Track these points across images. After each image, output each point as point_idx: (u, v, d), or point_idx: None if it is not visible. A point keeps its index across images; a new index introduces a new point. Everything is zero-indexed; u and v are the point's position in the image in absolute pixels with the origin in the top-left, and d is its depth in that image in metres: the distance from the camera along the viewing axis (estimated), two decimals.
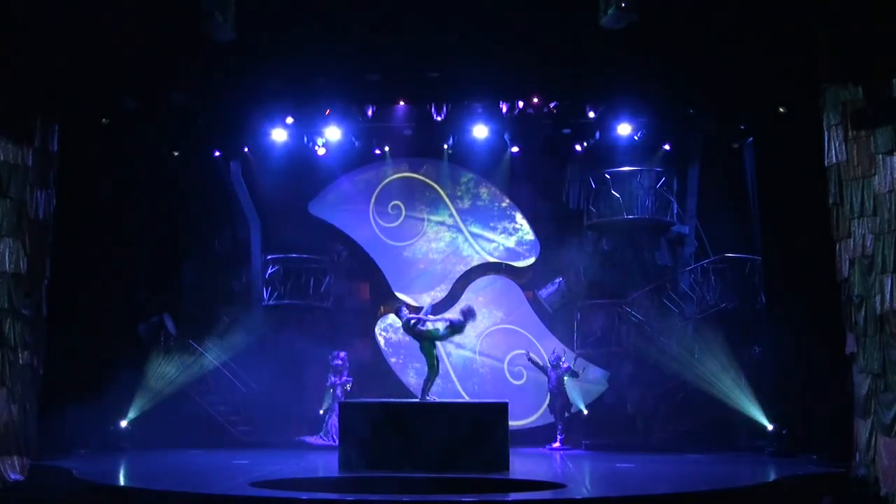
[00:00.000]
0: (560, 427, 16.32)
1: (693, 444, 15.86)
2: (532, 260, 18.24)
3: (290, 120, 16.56)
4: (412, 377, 17.74)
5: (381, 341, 18.28)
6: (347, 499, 11.25)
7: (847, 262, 12.67)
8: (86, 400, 14.45)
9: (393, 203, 18.46)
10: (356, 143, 17.65)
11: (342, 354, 16.79)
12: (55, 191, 13.89)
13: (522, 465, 13.32)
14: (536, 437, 16.84)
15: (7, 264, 13.00)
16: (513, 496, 11.56)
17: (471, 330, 17.89)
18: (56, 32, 12.43)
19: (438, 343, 14.50)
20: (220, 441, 16.59)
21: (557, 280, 18.00)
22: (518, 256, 18.32)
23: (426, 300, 16.82)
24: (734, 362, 16.03)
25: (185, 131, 16.43)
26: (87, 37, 12.50)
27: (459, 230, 18.38)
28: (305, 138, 17.36)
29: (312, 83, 14.59)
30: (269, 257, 18.06)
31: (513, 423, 14.38)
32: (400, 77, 14.66)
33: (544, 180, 18.43)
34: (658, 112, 16.05)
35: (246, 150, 17.65)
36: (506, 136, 17.17)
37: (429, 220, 18.44)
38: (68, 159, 14.23)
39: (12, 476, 12.74)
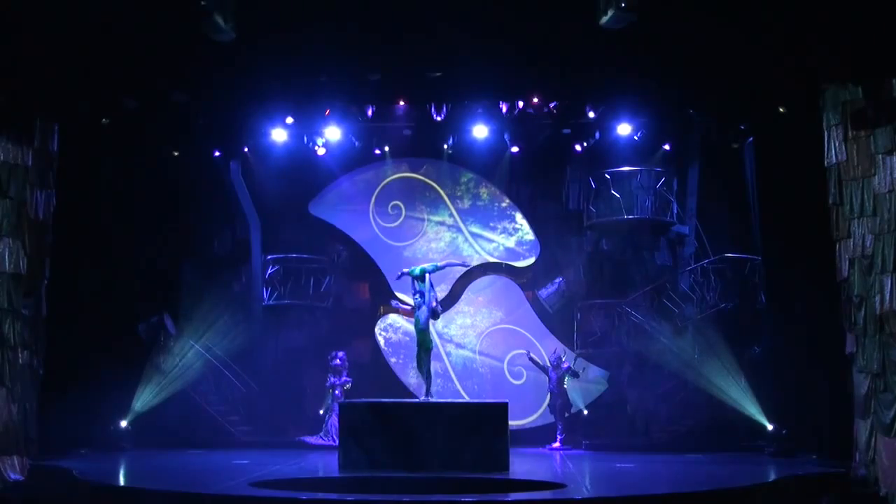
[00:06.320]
0: (560, 427, 16.33)
1: (693, 444, 15.86)
2: (532, 260, 18.24)
3: (290, 120, 16.55)
4: (412, 377, 17.73)
5: (381, 341, 18.29)
6: (347, 499, 11.24)
7: (847, 262, 12.67)
8: (86, 400, 14.49)
9: (393, 203, 18.46)
10: (356, 143, 17.64)
11: (341, 354, 16.79)
12: (55, 191, 13.89)
13: (522, 465, 13.32)
14: (536, 437, 16.84)
15: (7, 264, 13.00)
16: (513, 496, 11.56)
17: (471, 330, 18.09)
18: (56, 32, 12.42)
19: (435, 337, 14.94)
20: (220, 441, 16.59)
21: (557, 280, 18.02)
22: (518, 256, 18.32)
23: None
24: (734, 362, 16.04)
25: (185, 131, 16.41)
26: (87, 37, 12.49)
27: (459, 230, 18.38)
28: (305, 138, 17.35)
29: (312, 83, 14.57)
30: (268, 257, 18.05)
31: (513, 423, 14.40)
32: (400, 77, 14.65)
33: (544, 180, 18.46)
34: (658, 112, 16.06)
35: (246, 150, 17.64)
36: (506, 136, 17.16)
37: (429, 220, 18.44)
38: (68, 159, 14.23)
39: (12, 476, 12.73)
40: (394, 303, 16.29)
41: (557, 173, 18.26)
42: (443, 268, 14.57)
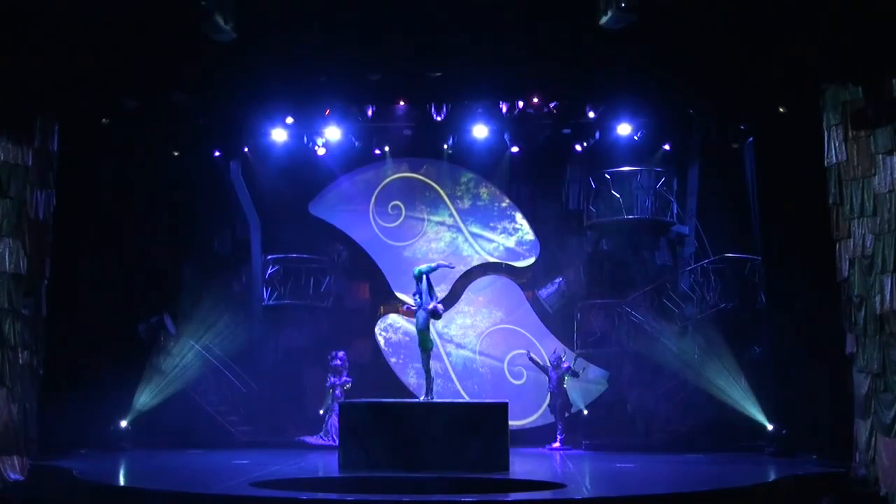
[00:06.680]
0: (560, 427, 16.33)
1: (693, 444, 15.87)
2: (532, 260, 18.25)
3: (290, 120, 16.57)
4: (412, 377, 17.75)
5: (381, 341, 18.29)
6: (347, 499, 11.25)
7: (847, 262, 12.66)
8: (86, 400, 14.48)
9: (393, 203, 18.47)
10: (356, 143, 17.66)
11: (341, 354, 16.80)
12: (55, 191, 13.87)
13: (522, 465, 13.32)
14: (536, 437, 16.85)
15: (7, 264, 12.98)
16: (513, 496, 11.57)
17: (471, 330, 18.10)
18: (56, 32, 12.41)
19: (435, 337, 15.09)
20: (220, 441, 16.59)
21: (557, 280, 18.02)
22: (518, 256, 18.32)
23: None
24: (734, 362, 16.04)
25: (185, 131, 16.44)
26: (87, 36, 12.49)
27: (459, 230, 18.38)
28: (305, 138, 17.37)
29: (312, 83, 14.57)
30: (269, 257, 18.05)
31: (513, 423, 14.41)
32: (400, 77, 14.64)
33: (544, 180, 18.46)
34: (658, 112, 16.06)
35: (246, 149, 17.65)
36: (506, 136, 17.17)
37: (429, 220, 18.44)
38: (68, 159, 14.22)
39: (12, 476, 12.72)
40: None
41: (557, 173, 18.26)
42: (436, 268, 14.56)
